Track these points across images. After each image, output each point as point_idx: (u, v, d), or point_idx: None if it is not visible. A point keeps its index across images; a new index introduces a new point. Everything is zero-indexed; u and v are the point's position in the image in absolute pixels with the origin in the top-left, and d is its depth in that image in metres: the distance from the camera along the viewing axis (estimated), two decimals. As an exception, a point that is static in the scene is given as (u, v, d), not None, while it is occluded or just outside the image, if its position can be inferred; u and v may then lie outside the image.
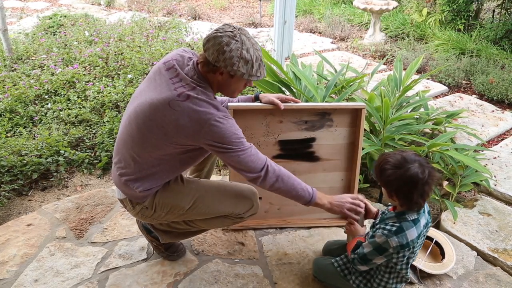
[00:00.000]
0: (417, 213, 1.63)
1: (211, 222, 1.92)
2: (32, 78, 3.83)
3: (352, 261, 1.75)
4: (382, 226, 1.66)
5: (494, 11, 5.94)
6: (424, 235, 1.71)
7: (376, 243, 1.63)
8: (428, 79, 4.60)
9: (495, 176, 2.89)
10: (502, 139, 3.51)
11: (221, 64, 1.57)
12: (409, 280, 1.77)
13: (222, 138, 1.60)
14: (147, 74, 3.89)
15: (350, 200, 1.82)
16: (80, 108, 3.45)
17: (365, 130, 2.81)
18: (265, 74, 1.67)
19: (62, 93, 3.64)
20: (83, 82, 3.72)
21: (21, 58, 4.47)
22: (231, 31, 1.57)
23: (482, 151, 3.19)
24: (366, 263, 1.69)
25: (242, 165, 1.67)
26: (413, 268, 2.04)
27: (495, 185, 2.82)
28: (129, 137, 1.70)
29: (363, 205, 1.83)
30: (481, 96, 4.27)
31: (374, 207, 1.88)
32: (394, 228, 1.61)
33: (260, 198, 2.12)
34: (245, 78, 1.61)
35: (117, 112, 3.35)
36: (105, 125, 3.19)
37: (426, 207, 1.73)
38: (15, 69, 4.12)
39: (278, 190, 1.75)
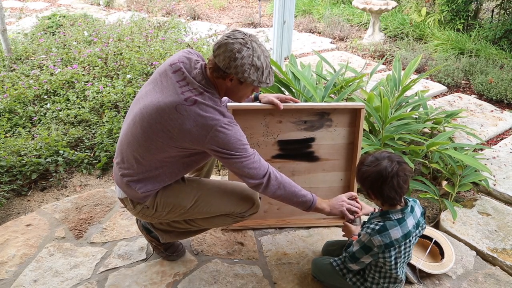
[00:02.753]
0: (401, 212, 1.65)
1: (212, 221, 1.92)
2: (31, 78, 3.83)
3: (344, 260, 1.78)
4: (367, 225, 1.70)
5: (493, 11, 5.94)
6: (417, 235, 1.71)
7: (362, 242, 1.67)
8: (427, 79, 4.61)
9: (494, 176, 2.89)
10: (501, 139, 3.51)
11: (232, 71, 1.57)
12: (402, 280, 1.76)
13: (226, 145, 1.61)
14: (146, 74, 3.90)
15: (347, 200, 1.88)
16: (79, 108, 3.45)
17: (364, 130, 2.81)
18: (273, 81, 1.68)
19: (61, 93, 3.64)
20: (82, 82, 3.72)
21: (20, 58, 4.46)
22: (242, 38, 1.57)
23: (482, 150, 3.19)
24: (355, 261, 1.72)
25: (244, 172, 1.68)
26: (413, 267, 2.05)
27: (494, 184, 2.82)
28: (133, 138, 1.69)
29: (358, 205, 1.88)
30: (480, 96, 4.27)
31: (370, 206, 1.90)
32: (377, 227, 1.64)
33: (259, 198, 2.12)
34: (255, 85, 1.62)
35: (117, 112, 3.35)
36: (104, 125, 3.19)
37: (419, 207, 1.74)
38: (14, 69, 4.12)
39: (280, 197, 1.78)
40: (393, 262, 1.67)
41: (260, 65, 1.58)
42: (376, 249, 1.63)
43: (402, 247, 1.65)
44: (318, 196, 1.85)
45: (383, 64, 5.07)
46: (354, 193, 1.94)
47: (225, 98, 2.07)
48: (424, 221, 1.75)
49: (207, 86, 1.63)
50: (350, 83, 3.10)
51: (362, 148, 2.39)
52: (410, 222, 1.65)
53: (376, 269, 1.74)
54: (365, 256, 1.67)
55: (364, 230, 1.68)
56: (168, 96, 1.61)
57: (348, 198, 1.90)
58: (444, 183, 2.72)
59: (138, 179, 1.73)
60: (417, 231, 1.69)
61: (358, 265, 1.74)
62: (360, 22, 6.67)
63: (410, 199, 1.72)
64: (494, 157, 3.16)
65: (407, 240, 1.64)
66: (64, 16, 5.76)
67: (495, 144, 3.42)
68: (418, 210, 1.72)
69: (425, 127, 3.03)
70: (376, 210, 1.80)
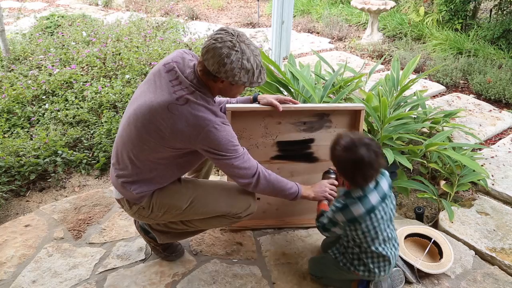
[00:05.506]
0: (362, 190, 1.71)
1: (209, 222, 1.92)
2: (30, 79, 3.82)
3: (318, 228, 1.89)
4: (333, 202, 1.80)
5: (491, 11, 5.95)
6: (386, 209, 1.74)
7: (329, 217, 1.79)
8: (425, 78, 4.61)
9: (492, 176, 2.90)
10: (500, 139, 3.52)
11: (222, 75, 1.57)
12: (388, 257, 1.79)
13: (217, 145, 1.62)
14: (145, 74, 3.90)
15: (329, 186, 1.94)
16: (77, 108, 3.44)
17: (363, 129, 2.81)
18: (266, 79, 1.69)
19: (59, 94, 3.63)
20: (81, 83, 3.71)
21: (19, 59, 4.45)
22: (230, 41, 1.54)
23: (481, 149, 3.20)
24: (327, 232, 1.84)
25: (234, 172, 1.71)
26: (411, 267, 2.05)
27: (493, 184, 2.82)
28: (128, 139, 1.70)
29: (336, 183, 1.97)
30: (478, 96, 4.27)
31: None
32: (340, 205, 1.73)
33: (258, 198, 2.12)
34: (246, 85, 1.63)
35: (115, 113, 3.34)
36: (103, 126, 3.19)
37: (387, 179, 1.77)
38: (12, 69, 4.11)
39: (268, 193, 1.85)
40: (361, 236, 1.72)
41: (250, 67, 1.57)
42: (341, 223, 1.74)
43: (368, 222, 1.70)
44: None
45: (382, 64, 5.08)
46: (332, 167, 2.00)
47: (223, 99, 2.08)
48: (391, 192, 1.79)
49: (199, 85, 1.63)
50: (349, 83, 3.10)
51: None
52: (373, 198, 1.71)
53: (355, 244, 1.79)
54: (334, 228, 1.79)
55: (330, 207, 1.79)
56: (161, 95, 1.62)
57: (326, 173, 1.99)
58: (443, 182, 2.72)
59: (133, 181, 1.73)
60: (384, 205, 1.73)
61: (331, 235, 1.86)
62: (359, 22, 6.68)
63: None
64: (492, 157, 3.16)
65: (372, 215, 1.70)
66: (63, 16, 5.75)
67: (494, 143, 3.43)
68: (385, 183, 1.76)
69: (423, 127, 3.03)
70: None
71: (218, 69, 1.55)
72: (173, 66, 1.66)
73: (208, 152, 1.64)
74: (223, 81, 1.62)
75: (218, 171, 2.89)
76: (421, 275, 2.05)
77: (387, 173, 1.80)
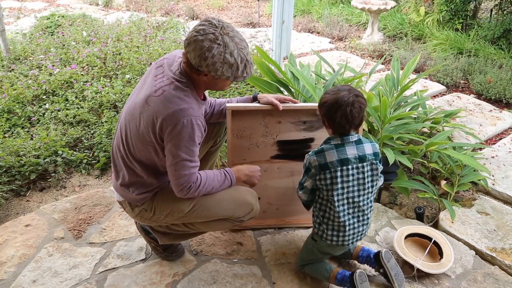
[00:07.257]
0: (341, 139, 1.75)
1: (211, 225, 1.91)
2: (30, 79, 3.82)
3: (297, 193, 1.94)
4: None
5: (491, 10, 5.95)
6: (359, 170, 1.75)
7: (304, 164, 1.85)
8: (426, 78, 4.61)
9: (493, 176, 2.90)
10: (500, 139, 3.52)
11: (204, 69, 1.54)
12: (345, 225, 1.80)
13: (178, 141, 1.58)
14: (145, 74, 3.90)
15: (258, 169, 1.94)
16: (78, 108, 3.44)
17: (363, 129, 2.81)
18: (253, 72, 1.66)
19: (60, 94, 3.63)
20: (81, 83, 3.71)
21: (19, 59, 4.46)
22: (213, 33, 1.49)
23: (481, 149, 3.19)
24: (302, 188, 1.88)
25: (172, 172, 1.63)
26: (410, 267, 2.05)
27: (493, 184, 2.82)
28: (119, 140, 1.72)
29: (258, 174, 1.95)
30: (479, 96, 4.27)
31: None
32: (316, 149, 1.80)
33: (258, 198, 2.12)
34: (231, 80, 1.60)
35: (115, 112, 3.35)
36: (103, 125, 3.19)
37: (373, 147, 1.78)
38: (12, 69, 4.11)
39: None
40: (329, 187, 1.76)
41: (233, 61, 1.52)
42: (313, 169, 1.77)
43: (339, 173, 1.74)
44: None
45: (382, 64, 5.07)
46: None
47: (223, 100, 2.08)
48: (378, 164, 1.79)
49: (180, 76, 1.61)
50: (349, 83, 3.10)
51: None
52: (350, 151, 1.74)
53: (317, 200, 1.85)
54: (307, 180, 1.83)
55: (308, 153, 1.83)
56: (145, 91, 1.63)
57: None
58: (443, 182, 2.72)
59: (129, 182, 1.74)
60: (360, 165, 1.75)
61: (305, 193, 1.88)
62: (359, 22, 6.68)
63: (366, 139, 1.79)
64: (493, 157, 3.16)
65: (344, 167, 1.73)
66: (63, 16, 5.75)
67: (494, 143, 3.43)
68: (368, 148, 1.78)
69: (424, 127, 3.03)
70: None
71: (200, 62, 1.52)
72: (162, 62, 1.69)
73: (166, 142, 1.59)
74: (206, 75, 1.59)
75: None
76: (421, 275, 2.05)
77: (377, 145, 1.82)
